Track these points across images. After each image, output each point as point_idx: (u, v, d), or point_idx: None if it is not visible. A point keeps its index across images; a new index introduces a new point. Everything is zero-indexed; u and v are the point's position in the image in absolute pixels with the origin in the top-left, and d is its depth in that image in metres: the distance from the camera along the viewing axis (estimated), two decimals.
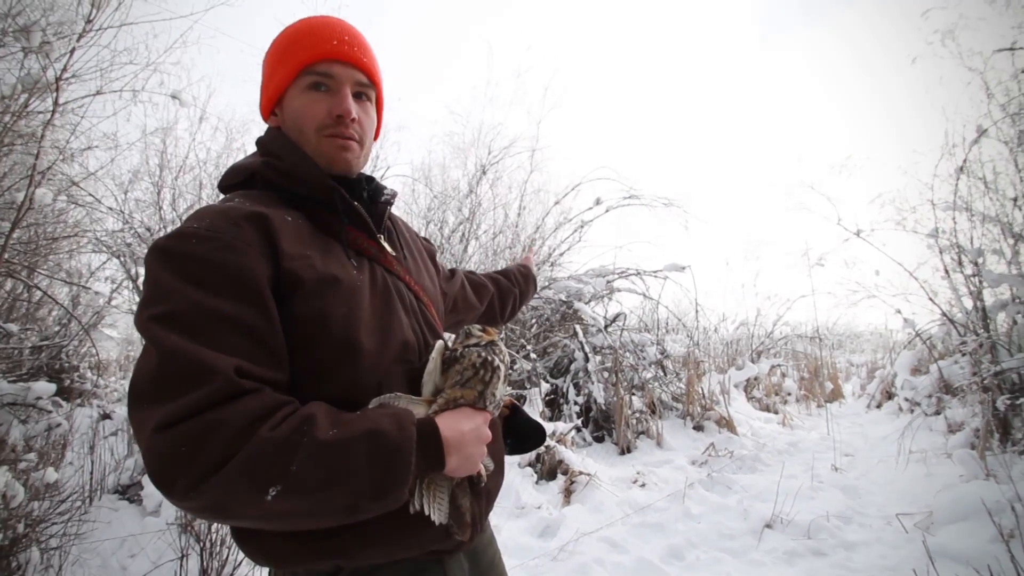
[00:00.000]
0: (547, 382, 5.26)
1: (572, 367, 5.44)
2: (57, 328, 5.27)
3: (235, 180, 0.91)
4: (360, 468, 0.66)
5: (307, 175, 0.86)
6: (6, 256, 2.55)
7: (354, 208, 0.88)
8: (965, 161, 4.55)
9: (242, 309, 0.71)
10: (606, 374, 5.38)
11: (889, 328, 10.48)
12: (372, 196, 0.96)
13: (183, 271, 0.71)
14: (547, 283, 6.00)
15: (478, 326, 0.91)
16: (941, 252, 4.76)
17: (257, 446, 0.63)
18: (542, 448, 3.91)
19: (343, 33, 0.90)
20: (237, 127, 5.14)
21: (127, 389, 0.69)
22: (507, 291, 1.49)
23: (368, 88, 0.93)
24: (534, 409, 4.75)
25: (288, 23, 0.95)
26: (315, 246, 0.82)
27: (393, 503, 0.70)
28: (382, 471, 0.68)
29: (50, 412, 3.58)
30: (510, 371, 0.95)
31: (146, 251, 0.78)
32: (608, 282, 6.00)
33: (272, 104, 0.93)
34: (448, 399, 0.83)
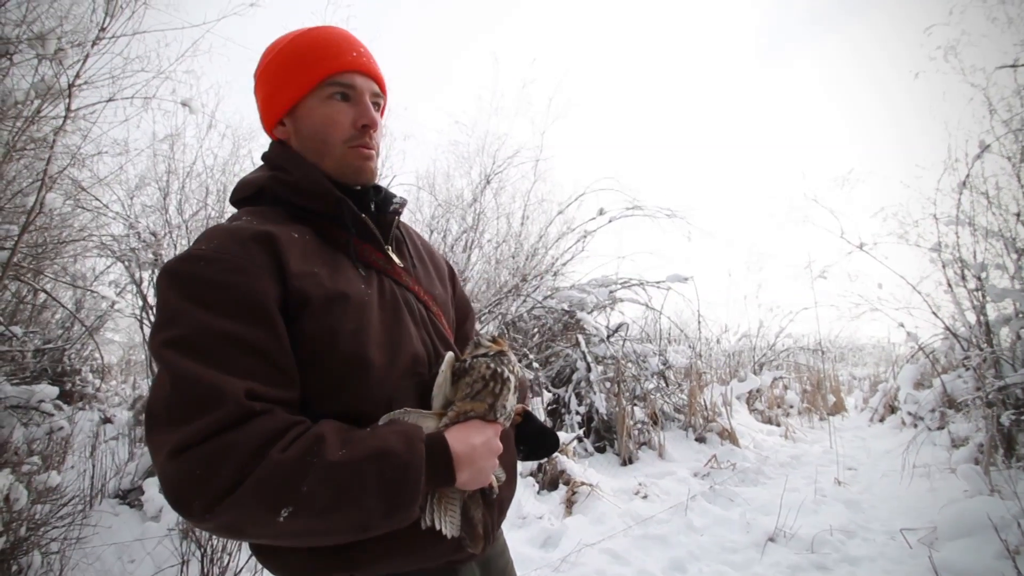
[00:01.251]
0: (549, 392, 5.25)
1: (574, 377, 5.43)
2: (60, 331, 5.29)
3: (244, 195, 0.91)
4: (370, 488, 0.67)
5: (314, 188, 0.86)
6: (15, 259, 2.56)
7: (362, 220, 0.88)
8: (968, 176, 4.56)
9: (251, 330, 0.71)
10: (608, 384, 5.37)
11: (892, 341, 10.44)
12: (380, 206, 0.95)
13: (192, 294, 0.71)
14: (550, 293, 6.00)
15: (488, 336, 0.90)
16: (944, 266, 4.76)
17: (268, 469, 0.64)
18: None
19: (358, 45, 0.92)
20: (244, 134, 5.18)
21: (144, 413, 0.70)
22: None
23: (379, 98, 0.94)
24: None
25: (285, 34, 0.94)
26: (323, 262, 0.82)
27: (404, 520, 0.71)
28: (392, 491, 0.68)
29: (52, 415, 3.58)
30: (519, 380, 0.94)
31: (157, 273, 0.79)
32: (610, 292, 6.01)
33: (281, 115, 0.91)
34: (458, 412, 0.82)
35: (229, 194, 0.97)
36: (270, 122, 0.93)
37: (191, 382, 0.66)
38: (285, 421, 0.69)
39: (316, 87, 0.88)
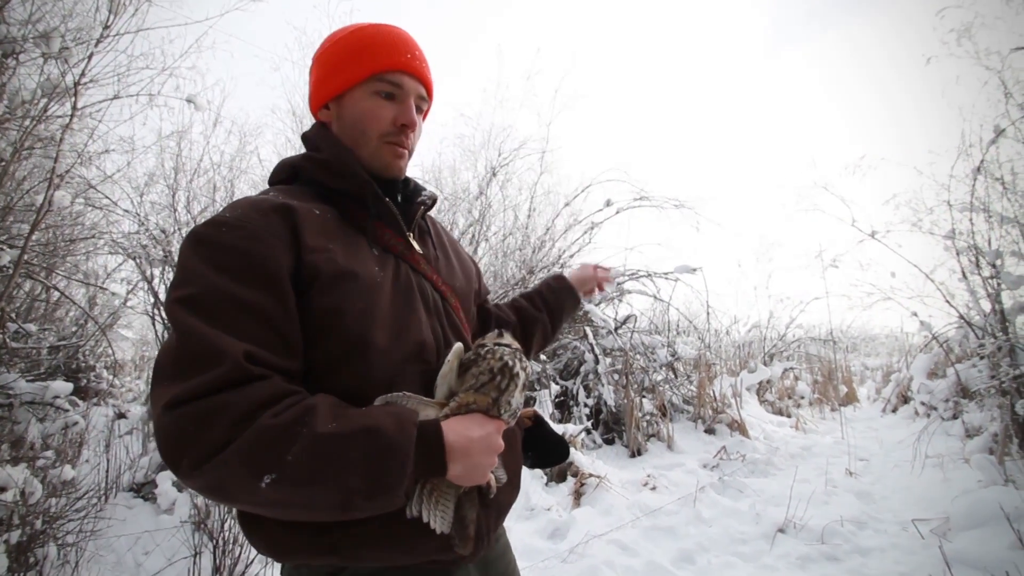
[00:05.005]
0: (557, 384, 5.25)
1: (582, 369, 5.42)
2: (74, 328, 5.36)
3: (280, 177, 0.95)
4: (354, 465, 0.66)
5: (343, 168, 0.88)
6: (25, 257, 2.59)
7: (385, 204, 0.89)
8: (982, 161, 4.47)
9: (260, 296, 0.72)
10: (616, 376, 5.36)
11: (905, 331, 10.32)
12: (409, 196, 0.98)
13: (210, 257, 0.73)
14: None
15: (504, 332, 0.88)
16: (958, 254, 4.67)
17: (256, 433, 0.64)
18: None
19: (414, 48, 0.94)
20: (250, 130, 5.19)
21: (152, 366, 0.72)
22: (532, 320, 1.28)
23: (424, 101, 0.97)
24: (544, 411, 4.75)
25: (350, 24, 0.97)
26: (340, 240, 0.83)
27: (388, 504, 0.69)
28: (376, 470, 0.67)
29: (67, 411, 3.63)
30: (529, 379, 0.91)
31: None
32: (618, 284, 5.98)
33: (328, 99, 0.94)
34: (460, 403, 0.80)
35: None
36: (317, 103, 0.96)
37: (194, 339, 0.68)
38: (281, 389, 0.69)
39: (365, 80, 0.91)
